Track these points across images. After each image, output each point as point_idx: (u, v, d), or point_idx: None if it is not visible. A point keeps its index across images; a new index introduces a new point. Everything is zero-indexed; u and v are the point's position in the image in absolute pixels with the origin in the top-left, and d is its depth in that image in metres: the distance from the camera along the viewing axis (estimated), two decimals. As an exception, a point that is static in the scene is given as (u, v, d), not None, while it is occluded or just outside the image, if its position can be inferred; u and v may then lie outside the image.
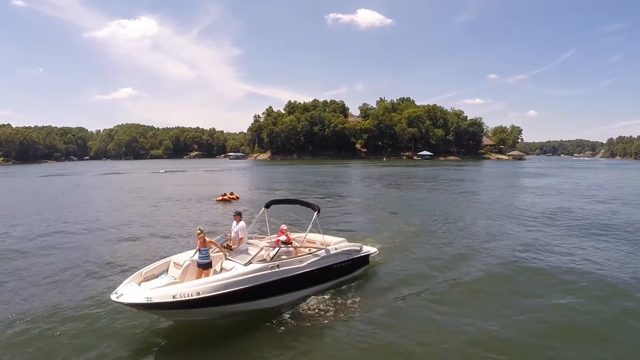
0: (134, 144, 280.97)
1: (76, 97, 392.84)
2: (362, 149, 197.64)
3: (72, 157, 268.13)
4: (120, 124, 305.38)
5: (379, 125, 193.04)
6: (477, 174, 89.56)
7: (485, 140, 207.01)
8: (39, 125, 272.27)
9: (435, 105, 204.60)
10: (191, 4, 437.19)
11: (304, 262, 14.18)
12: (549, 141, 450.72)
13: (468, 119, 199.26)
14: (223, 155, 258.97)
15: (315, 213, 15.44)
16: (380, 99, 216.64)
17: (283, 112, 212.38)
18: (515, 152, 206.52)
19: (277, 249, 14.09)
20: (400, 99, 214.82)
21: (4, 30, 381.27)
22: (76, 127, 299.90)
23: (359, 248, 16.36)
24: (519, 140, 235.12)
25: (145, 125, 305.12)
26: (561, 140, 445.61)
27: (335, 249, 15.33)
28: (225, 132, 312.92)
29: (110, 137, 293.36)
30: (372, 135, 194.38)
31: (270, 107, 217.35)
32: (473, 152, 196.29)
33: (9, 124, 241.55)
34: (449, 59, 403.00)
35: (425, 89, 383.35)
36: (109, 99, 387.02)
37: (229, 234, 15.67)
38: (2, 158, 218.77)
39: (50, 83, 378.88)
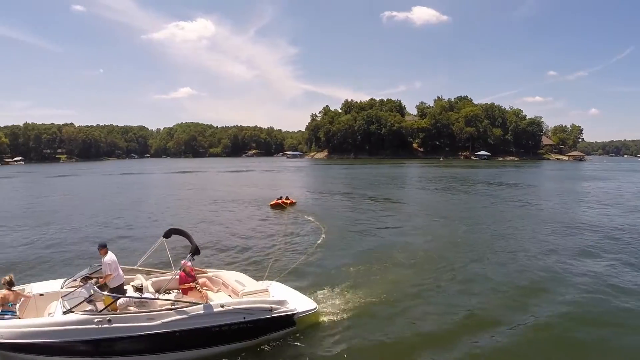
0: (193, 142, 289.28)
1: (136, 97, 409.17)
2: (418, 149, 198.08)
3: (132, 154, 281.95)
4: (179, 122, 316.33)
5: (436, 125, 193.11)
6: (535, 177, 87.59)
7: (545, 140, 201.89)
8: (101, 124, 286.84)
9: (493, 103, 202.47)
10: (247, 4, 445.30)
11: (155, 321, 10.93)
12: (612, 141, 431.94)
13: (527, 117, 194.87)
14: (280, 153, 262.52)
15: (189, 255, 12.18)
16: (438, 97, 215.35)
17: (340, 111, 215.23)
18: (575, 153, 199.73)
19: (120, 298, 11.36)
20: (457, 97, 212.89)
21: (65, 34, 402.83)
22: (137, 126, 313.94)
23: (269, 307, 12.26)
24: (580, 140, 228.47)
25: (204, 124, 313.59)
26: (624, 140, 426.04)
27: (222, 307, 11.68)
28: (283, 130, 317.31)
29: (170, 136, 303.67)
30: (429, 135, 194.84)
31: (327, 106, 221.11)
32: (532, 153, 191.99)
33: (72, 123, 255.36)
34: (507, 56, 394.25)
35: (483, 87, 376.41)
36: (168, 99, 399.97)
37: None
38: (65, 155, 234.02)
39: (111, 84, 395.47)
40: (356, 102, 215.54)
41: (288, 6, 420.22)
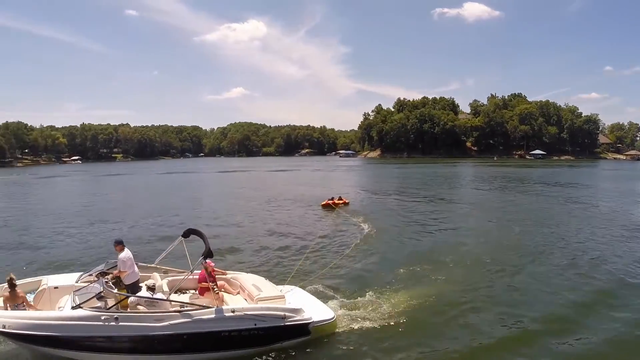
0: (247, 141, 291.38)
1: (190, 98, 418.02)
2: (472, 148, 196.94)
3: (187, 154, 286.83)
4: (233, 122, 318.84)
5: (489, 123, 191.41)
6: (592, 177, 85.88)
7: (602, 139, 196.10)
8: (156, 124, 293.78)
9: (548, 101, 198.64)
10: (297, 5, 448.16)
11: (163, 322, 11.05)
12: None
13: (583, 115, 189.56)
14: (333, 153, 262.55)
15: (201, 258, 12.20)
16: (491, 95, 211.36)
17: (392, 109, 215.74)
18: (633, 152, 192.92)
19: (130, 297, 11.67)
20: (511, 94, 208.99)
21: (120, 38, 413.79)
22: (191, 126, 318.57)
23: (282, 314, 12.08)
24: (638, 139, 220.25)
25: (257, 124, 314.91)
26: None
27: (233, 312, 11.67)
28: (335, 129, 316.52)
29: (223, 135, 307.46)
30: (482, 133, 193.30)
31: (380, 104, 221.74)
32: (588, 152, 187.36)
33: (127, 124, 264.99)
34: (561, 51, 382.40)
35: (537, 84, 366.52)
36: (222, 99, 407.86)
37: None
38: (121, 155, 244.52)
39: (165, 85, 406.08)
40: (409, 100, 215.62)
41: (338, 5, 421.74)
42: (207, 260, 12.74)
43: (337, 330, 13.08)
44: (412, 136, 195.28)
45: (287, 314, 12.17)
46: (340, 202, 41.47)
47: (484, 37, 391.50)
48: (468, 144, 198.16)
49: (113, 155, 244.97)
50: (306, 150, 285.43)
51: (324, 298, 15.38)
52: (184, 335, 11.16)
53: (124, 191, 65.69)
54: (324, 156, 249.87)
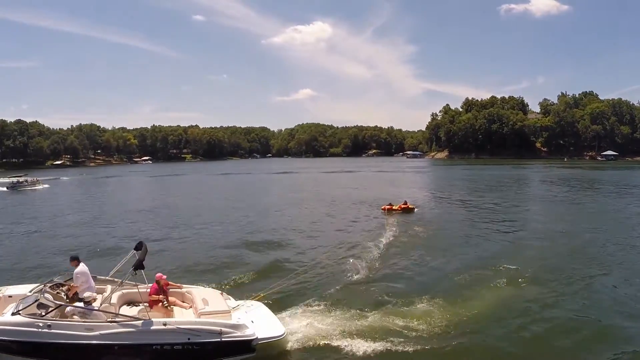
0: (314, 142, 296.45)
1: (258, 99, 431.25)
2: (542, 148, 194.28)
3: (255, 154, 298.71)
4: (300, 123, 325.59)
5: (559, 123, 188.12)
6: None
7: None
8: (225, 125, 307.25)
9: (620, 99, 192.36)
10: (363, 5, 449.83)
11: (94, 332, 11.34)
12: None
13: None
14: (401, 153, 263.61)
15: (131, 269, 12.23)
16: (562, 93, 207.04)
17: (460, 109, 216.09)
18: None
19: (63, 306, 12.04)
20: (582, 93, 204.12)
21: (188, 42, 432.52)
22: (259, 127, 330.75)
23: (218, 330, 12.01)
24: None
25: (324, 124, 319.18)
26: None
27: (164, 325, 11.75)
28: (403, 130, 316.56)
29: (291, 136, 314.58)
30: (552, 134, 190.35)
31: (448, 104, 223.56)
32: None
33: (196, 125, 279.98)
34: (634, 46, 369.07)
35: (608, 81, 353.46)
36: (289, 100, 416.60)
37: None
38: (190, 155, 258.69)
39: (234, 87, 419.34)
40: (477, 100, 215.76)
41: (404, 4, 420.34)
42: (160, 274, 13.84)
43: (292, 347, 13.30)
44: (480, 137, 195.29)
45: (224, 329, 12.07)
46: (406, 207, 39.97)
47: (553, 33, 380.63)
48: (537, 145, 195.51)
49: (182, 155, 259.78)
50: (373, 151, 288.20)
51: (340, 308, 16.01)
52: (114, 346, 11.41)
53: (196, 191, 70.85)
54: (391, 157, 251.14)
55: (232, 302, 14.22)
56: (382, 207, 41.05)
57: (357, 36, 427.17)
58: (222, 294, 14.41)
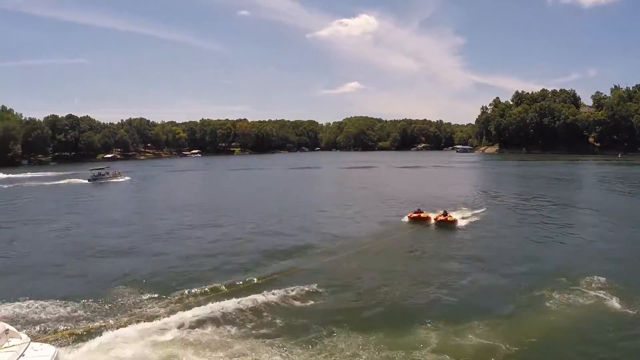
0: (362, 136, 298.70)
1: (305, 93, 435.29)
2: (595, 143, 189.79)
3: (303, 147, 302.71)
4: (348, 117, 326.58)
5: (613, 117, 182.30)
6: None
7: None
8: (273, 119, 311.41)
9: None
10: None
11: None
12: None
13: None
14: (450, 147, 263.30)
15: None
16: (615, 86, 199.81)
17: (511, 102, 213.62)
18: None
19: None
20: (636, 86, 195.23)
21: (234, 37, 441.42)
22: (307, 121, 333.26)
23: None
24: None
25: (373, 118, 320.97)
26: None
27: None
28: (452, 123, 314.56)
29: (339, 130, 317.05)
30: (606, 128, 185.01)
31: (498, 97, 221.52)
32: None
33: (245, 119, 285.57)
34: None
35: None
36: (336, 94, 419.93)
37: None
38: (239, 148, 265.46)
39: (281, 81, 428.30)
40: (527, 93, 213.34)
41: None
42: None
43: None
44: (531, 131, 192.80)
45: None
46: (442, 219, 35.41)
47: (603, 23, 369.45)
48: (590, 140, 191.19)
49: (231, 149, 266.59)
50: (422, 145, 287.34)
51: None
52: None
53: (251, 186, 75.49)
54: (441, 151, 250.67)
55: (15, 339, 13.45)
56: (409, 215, 36.88)
57: (404, 28, 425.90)
58: (6, 330, 13.64)
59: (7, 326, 13.79)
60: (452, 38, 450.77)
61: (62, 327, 17.11)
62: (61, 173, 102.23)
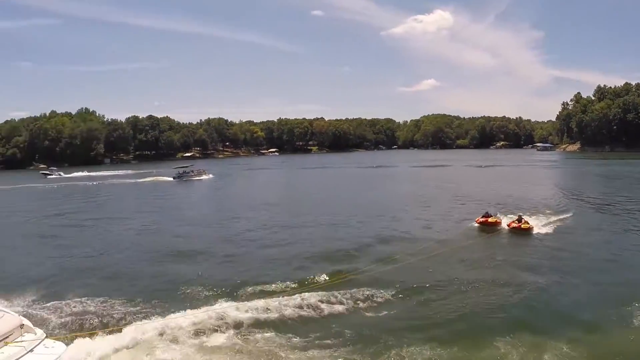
0: (440, 134, 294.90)
1: (382, 91, 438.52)
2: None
3: (380, 146, 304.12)
4: (425, 114, 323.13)
5: None
6: None
7: None
8: (350, 117, 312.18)
9: None
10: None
11: None
12: None
13: None
14: (530, 145, 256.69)
15: None
16: None
17: (593, 98, 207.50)
18: None
19: None
20: None
21: (309, 37, 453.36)
22: (384, 119, 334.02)
23: None
24: None
25: (450, 115, 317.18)
26: None
27: None
28: (532, 120, 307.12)
29: (417, 127, 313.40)
30: None
31: (579, 92, 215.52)
32: None
33: (322, 118, 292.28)
34: None
35: None
36: (412, 91, 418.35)
37: None
38: (316, 147, 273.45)
39: (357, 79, 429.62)
40: (609, 87, 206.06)
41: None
42: None
43: None
44: (614, 127, 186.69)
45: None
46: (516, 226, 33.29)
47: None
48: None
49: (308, 147, 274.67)
50: (501, 143, 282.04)
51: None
52: None
53: (333, 185, 77.91)
54: (520, 149, 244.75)
55: (29, 335, 13.79)
56: (477, 220, 35.32)
57: (479, 23, 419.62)
58: (21, 325, 13.97)
59: (24, 321, 14.31)
60: (529, 31, 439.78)
61: (105, 323, 18.61)
62: (143, 171, 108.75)
